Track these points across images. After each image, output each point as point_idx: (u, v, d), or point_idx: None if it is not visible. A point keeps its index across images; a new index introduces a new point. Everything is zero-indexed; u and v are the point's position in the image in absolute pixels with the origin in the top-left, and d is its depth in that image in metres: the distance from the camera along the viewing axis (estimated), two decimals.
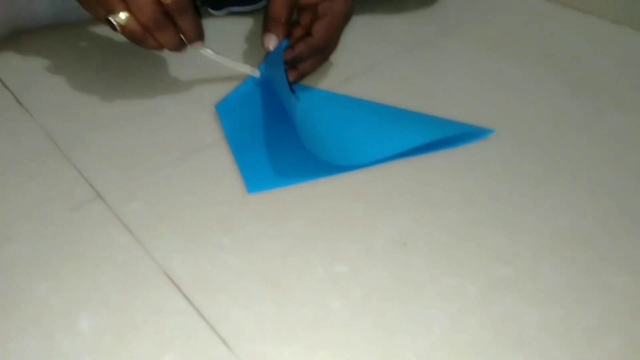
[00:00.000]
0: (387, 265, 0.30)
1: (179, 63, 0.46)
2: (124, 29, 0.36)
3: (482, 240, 0.32)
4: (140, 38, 0.36)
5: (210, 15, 0.52)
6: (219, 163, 0.37)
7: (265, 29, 0.41)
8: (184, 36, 0.38)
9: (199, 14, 0.38)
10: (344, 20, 0.41)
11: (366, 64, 0.47)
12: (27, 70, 0.45)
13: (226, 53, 0.47)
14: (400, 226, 0.32)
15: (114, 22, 0.36)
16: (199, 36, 0.38)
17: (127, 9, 0.35)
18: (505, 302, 0.29)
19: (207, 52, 0.40)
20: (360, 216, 0.33)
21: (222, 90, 0.43)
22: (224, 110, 0.40)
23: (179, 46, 0.38)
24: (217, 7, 0.52)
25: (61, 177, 0.35)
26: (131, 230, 0.32)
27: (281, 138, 0.38)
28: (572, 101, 0.43)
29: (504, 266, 0.30)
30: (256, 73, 0.42)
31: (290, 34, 0.42)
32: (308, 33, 0.41)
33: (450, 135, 0.38)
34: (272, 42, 0.40)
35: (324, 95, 0.42)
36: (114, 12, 0.35)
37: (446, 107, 0.41)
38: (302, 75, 0.42)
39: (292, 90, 0.38)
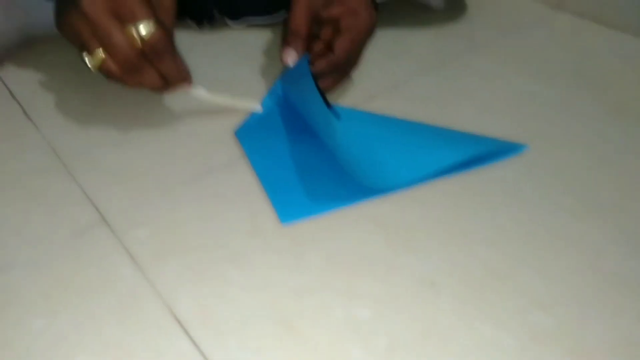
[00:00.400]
0: (413, 308, 0.27)
1: (195, 80, 0.44)
2: (98, 69, 0.33)
3: (517, 282, 0.29)
4: (118, 78, 0.34)
5: (229, 27, 0.50)
6: (233, 186, 0.34)
7: (285, 43, 0.39)
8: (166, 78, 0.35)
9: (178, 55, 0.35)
10: (367, 35, 0.39)
11: (390, 82, 0.44)
12: (36, 81, 0.43)
13: (243, 67, 0.45)
14: (427, 263, 0.30)
15: (86, 61, 0.33)
16: (182, 78, 0.35)
17: (103, 48, 0.32)
18: (545, 357, 0.26)
19: (199, 93, 0.37)
20: (383, 250, 0.30)
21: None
22: (244, 134, 0.38)
23: (163, 88, 0.35)
24: (235, 17, 0.50)
25: (65, 197, 0.33)
26: (136, 260, 0.30)
27: (310, 160, 0.35)
28: (611, 124, 0.40)
29: (543, 314, 0.27)
30: (258, 108, 0.39)
31: (309, 48, 0.39)
32: (328, 47, 0.39)
33: (485, 152, 0.35)
34: (291, 57, 0.38)
35: (355, 113, 0.39)
36: (89, 50, 0.32)
37: (474, 127, 0.38)
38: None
39: (328, 106, 0.35)
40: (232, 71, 0.45)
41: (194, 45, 0.48)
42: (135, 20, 0.32)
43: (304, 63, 0.37)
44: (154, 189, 0.34)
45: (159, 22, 0.32)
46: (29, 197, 0.33)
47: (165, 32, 0.33)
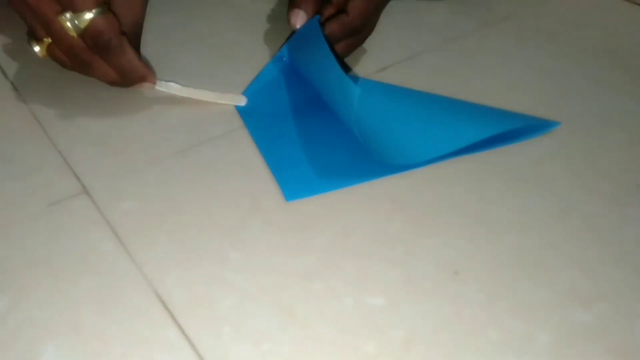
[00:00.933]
0: (434, 298, 0.24)
1: (191, 39, 0.40)
2: (47, 55, 0.31)
3: (551, 273, 0.25)
4: (70, 68, 0.31)
5: None
6: (230, 159, 0.31)
7: (293, 4, 0.35)
8: None
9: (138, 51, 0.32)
10: None
11: (404, 54, 0.40)
12: (18, 39, 0.39)
13: (245, 33, 0.41)
14: (450, 248, 0.26)
15: (33, 47, 0.31)
16: (139, 78, 0.31)
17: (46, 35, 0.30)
18: (586, 357, 0.22)
19: (171, 88, 0.33)
20: (399, 232, 0.27)
21: (238, 70, 0.36)
22: (245, 106, 0.34)
23: (121, 83, 0.32)
24: None
25: (43, 163, 0.30)
26: (119, 236, 0.26)
27: (319, 133, 0.32)
28: None
29: (581, 309, 0.24)
30: (242, 102, 0.34)
31: (319, 12, 0.35)
32: (341, 12, 0.35)
33: (514, 128, 0.32)
34: (299, 19, 0.34)
35: (374, 84, 0.35)
36: (35, 35, 0.30)
37: (498, 104, 0.35)
38: None
39: (346, 72, 0.32)
40: (232, 37, 0.41)
41: (196, 11, 0.44)
42: (73, 9, 0.28)
43: (314, 25, 0.33)
44: (142, 159, 0.30)
45: (107, 13, 0.29)
46: (1, 160, 0.30)
47: (111, 24, 0.29)
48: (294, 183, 0.29)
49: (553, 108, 0.35)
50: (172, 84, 0.33)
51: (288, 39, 0.37)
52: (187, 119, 0.33)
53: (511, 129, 0.32)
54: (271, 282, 0.24)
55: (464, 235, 0.27)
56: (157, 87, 0.33)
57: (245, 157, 0.31)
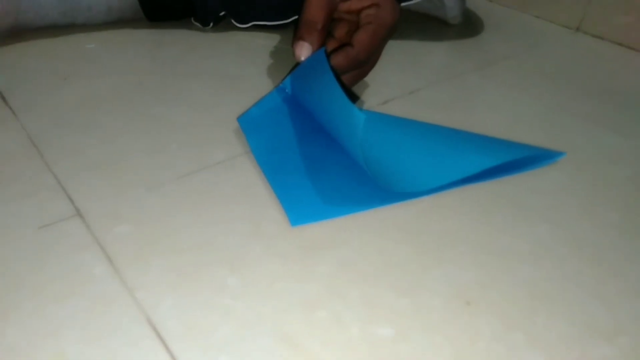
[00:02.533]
0: (445, 330, 0.22)
1: (193, 71, 0.40)
2: None
3: (569, 305, 0.24)
4: None
5: (234, 27, 0.47)
6: (231, 185, 0.30)
7: (298, 36, 0.35)
8: None
9: None
10: (389, 31, 0.35)
11: (406, 88, 0.41)
12: (21, 68, 0.40)
13: (247, 66, 0.42)
14: (460, 278, 0.25)
15: None
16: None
17: None
18: None
19: None
20: (408, 261, 0.26)
21: (242, 101, 0.36)
22: (248, 124, 0.34)
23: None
24: (242, 21, 0.47)
25: (35, 185, 0.29)
26: (111, 259, 0.25)
27: (323, 161, 0.31)
28: None
29: (604, 343, 0.22)
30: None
31: (324, 46, 0.36)
32: (345, 45, 0.35)
33: (519, 157, 0.31)
34: (304, 51, 0.34)
35: (379, 115, 0.35)
36: None
37: (503, 136, 0.35)
38: None
39: (353, 101, 0.31)
40: (237, 70, 0.41)
41: (199, 44, 0.45)
42: None
43: (320, 57, 0.33)
44: (140, 184, 0.29)
45: None
46: None
47: None
48: (299, 208, 0.28)
49: (556, 141, 0.35)
50: None
51: (290, 71, 0.37)
52: (188, 145, 0.33)
53: (517, 158, 0.31)
54: (272, 309, 0.23)
55: (474, 265, 0.26)
56: None
57: (246, 183, 0.30)
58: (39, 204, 0.27)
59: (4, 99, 0.36)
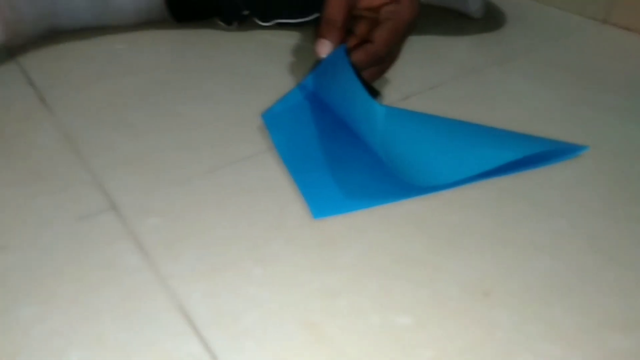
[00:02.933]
0: (464, 319, 0.23)
1: (218, 69, 0.42)
2: None
3: (587, 297, 0.24)
4: None
5: (257, 26, 0.48)
6: (258, 178, 0.31)
7: (319, 34, 0.36)
8: None
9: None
10: (409, 27, 0.36)
11: (426, 84, 0.41)
12: (57, 69, 0.42)
13: (268, 64, 0.43)
14: (478, 270, 0.26)
15: None
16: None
17: None
18: None
19: None
20: (425, 253, 0.26)
21: (265, 99, 0.38)
22: (272, 121, 0.35)
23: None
24: (265, 19, 0.48)
25: (72, 180, 0.30)
26: (145, 250, 0.26)
27: (345, 156, 0.32)
28: None
29: (621, 336, 0.23)
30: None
31: (344, 42, 0.37)
32: (365, 42, 0.36)
33: (541, 151, 0.32)
34: (325, 48, 0.35)
35: (400, 110, 0.36)
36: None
37: (526, 130, 0.35)
38: None
39: (374, 96, 0.32)
40: (260, 68, 0.42)
41: (223, 43, 0.46)
42: None
43: (341, 54, 0.34)
44: (170, 178, 0.31)
45: None
46: (34, 177, 0.31)
47: None
48: (321, 201, 0.29)
49: (579, 135, 0.35)
50: None
51: (312, 69, 0.38)
52: (213, 142, 0.34)
53: (539, 151, 0.32)
54: (295, 298, 0.24)
55: (492, 257, 0.26)
56: None
57: (271, 178, 0.31)
58: (76, 198, 0.29)
59: (43, 99, 0.38)
